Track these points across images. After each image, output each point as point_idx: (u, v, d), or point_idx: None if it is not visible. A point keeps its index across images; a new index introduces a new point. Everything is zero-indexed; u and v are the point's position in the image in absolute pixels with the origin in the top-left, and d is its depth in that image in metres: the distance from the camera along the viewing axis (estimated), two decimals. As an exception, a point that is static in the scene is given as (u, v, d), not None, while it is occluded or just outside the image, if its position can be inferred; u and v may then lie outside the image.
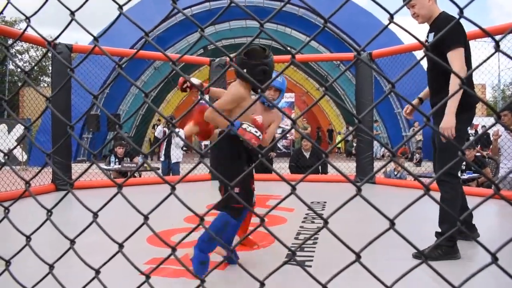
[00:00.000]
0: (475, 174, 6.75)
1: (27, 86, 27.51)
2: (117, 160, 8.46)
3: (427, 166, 11.16)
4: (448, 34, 2.85)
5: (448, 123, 2.87)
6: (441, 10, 3.11)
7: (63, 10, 1.00)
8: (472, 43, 3.31)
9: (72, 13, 0.88)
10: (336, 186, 6.74)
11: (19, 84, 29.34)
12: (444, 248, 2.85)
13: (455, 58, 2.89)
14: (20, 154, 13.79)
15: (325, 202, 5.41)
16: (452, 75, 2.86)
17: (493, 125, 0.71)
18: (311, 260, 3.00)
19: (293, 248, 0.82)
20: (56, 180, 6.54)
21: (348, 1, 0.72)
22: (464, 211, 3.10)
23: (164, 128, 8.77)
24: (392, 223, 0.73)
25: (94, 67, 10.88)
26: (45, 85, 31.01)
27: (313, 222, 4.24)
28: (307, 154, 8.00)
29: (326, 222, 0.77)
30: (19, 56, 31.47)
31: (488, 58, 0.69)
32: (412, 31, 0.81)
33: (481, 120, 17.47)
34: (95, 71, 11.10)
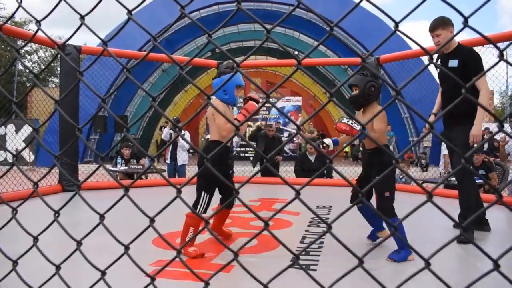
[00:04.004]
0: (482, 181, 6.72)
1: (35, 87, 27.69)
2: (123, 161, 8.50)
3: (433, 172, 11.09)
4: (475, 62, 3.69)
5: (478, 131, 3.60)
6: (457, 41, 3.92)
7: (72, 11, 1.02)
8: (479, 49, 3.78)
9: (82, 17, 0.89)
10: (342, 191, 6.72)
11: (28, 84, 29.57)
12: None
13: (483, 81, 3.67)
14: (27, 154, 13.87)
15: (330, 206, 5.41)
16: (482, 94, 3.63)
17: (497, 133, 0.72)
18: (316, 264, 2.99)
19: (297, 252, 0.82)
20: (62, 180, 6.58)
21: (352, 10, 0.73)
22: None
23: (171, 131, 8.81)
24: (395, 229, 0.74)
25: (102, 68, 10.93)
26: (53, 85, 31.19)
27: (318, 226, 4.24)
28: (312, 158, 8.01)
29: (330, 227, 0.78)
30: (28, 57, 31.69)
31: (492, 67, 0.70)
32: (417, 38, 0.82)
33: (489, 126, 17.37)
34: (103, 73, 11.15)
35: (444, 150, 7.69)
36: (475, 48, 4.00)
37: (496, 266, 0.68)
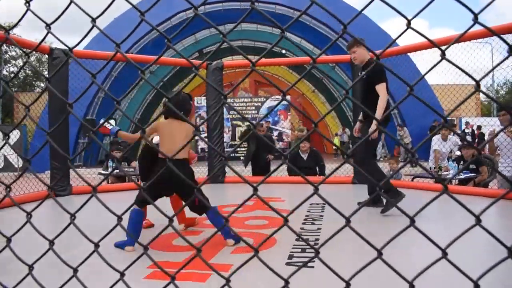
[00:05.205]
0: (472, 174, 6.81)
1: (23, 92, 27.37)
2: (114, 164, 8.45)
3: (424, 166, 11.18)
4: (375, 74, 4.57)
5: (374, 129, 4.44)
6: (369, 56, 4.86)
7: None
8: (466, 44, 4.19)
9: (94, 20, 0.90)
10: (334, 187, 6.77)
11: (13, 89, 29.23)
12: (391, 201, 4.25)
13: (381, 89, 4.58)
14: (15, 160, 13.72)
15: (324, 204, 5.44)
16: (380, 99, 4.54)
17: (502, 129, 0.74)
18: (314, 261, 3.01)
19: (316, 247, 0.84)
20: (54, 185, 6.52)
21: (364, 9, 0.75)
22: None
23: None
24: (412, 221, 0.76)
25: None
26: (39, 90, 30.89)
27: (313, 224, 4.26)
28: (304, 156, 8.04)
29: (348, 221, 0.80)
30: (13, 62, 31.34)
31: (501, 62, 0.72)
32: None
33: (477, 120, 17.61)
34: (90, 78, 11.06)
35: (434, 145, 7.77)
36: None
37: (510, 253, 0.70)
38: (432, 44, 0.75)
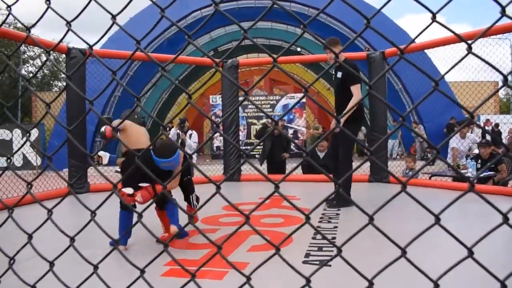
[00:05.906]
0: (491, 173, 6.71)
1: (41, 91, 27.75)
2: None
3: (442, 164, 11.06)
4: (352, 75, 4.82)
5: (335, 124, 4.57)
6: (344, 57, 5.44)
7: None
8: (485, 40, 4.39)
9: (114, 17, 0.90)
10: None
11: (33, 88, 29.59)
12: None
13: (356, 89, 4.89)
14: (33, 158, 13.91)
15: (340, 202, 5.41)
16: (353, 98, 4.84)
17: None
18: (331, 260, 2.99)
19: (338, 245, 0.83)
20: (73, 183, 6.61)
21: (386, 5, 0.73)
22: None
23: (178, 131, 8.81)
24: (437, 219, 0.74)
25: (105, 71, 10.97)
26: (57, 89, 31.30)
27: (329, 222, 4.24)
28: (321, 155, 8.00)
29: (371, 218, 0.79)
30: (31, 62, 31.75)
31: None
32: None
33: (496, 118, 17.34)
34: (106, 77, 11.18)
35: (452, 143, 7.67)
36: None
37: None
38: (458, 38, 0.74)
